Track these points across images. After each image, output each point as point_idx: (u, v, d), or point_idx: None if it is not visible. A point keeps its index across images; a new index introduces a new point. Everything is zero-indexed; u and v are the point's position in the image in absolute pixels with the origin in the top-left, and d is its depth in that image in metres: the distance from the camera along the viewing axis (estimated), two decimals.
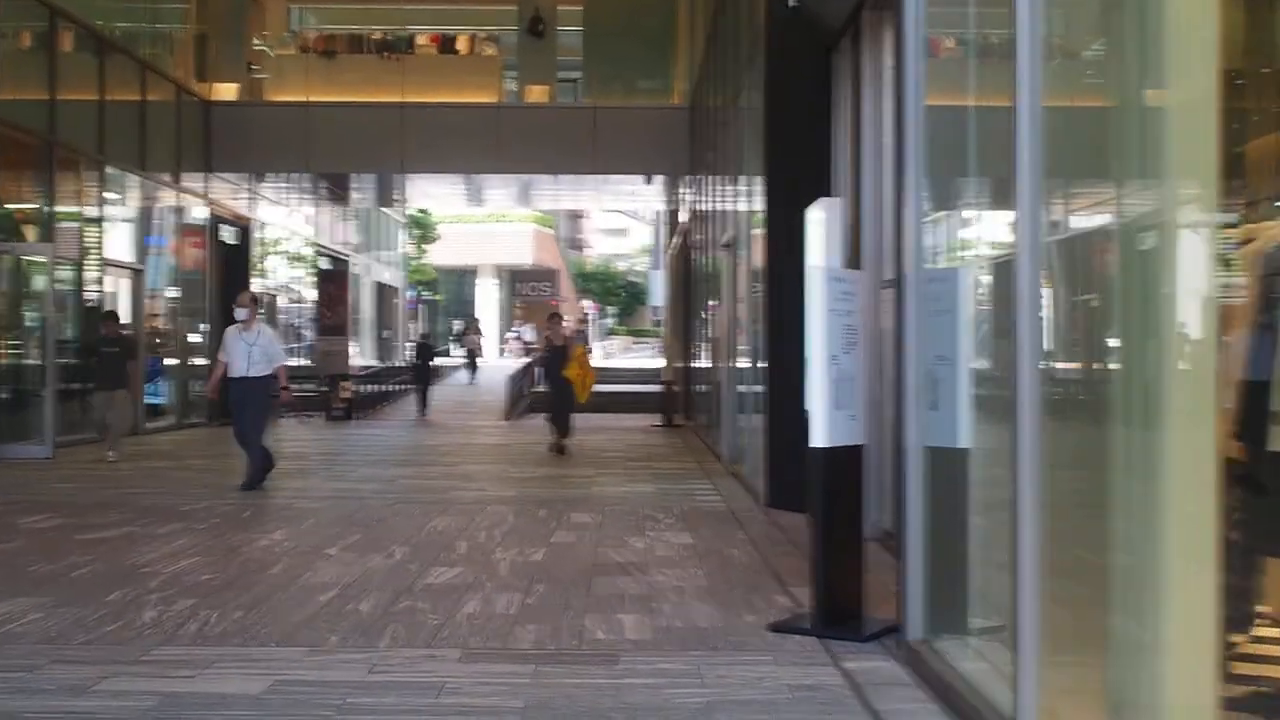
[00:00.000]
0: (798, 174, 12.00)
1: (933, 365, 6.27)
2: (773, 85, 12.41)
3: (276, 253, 32.89)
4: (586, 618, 7.03)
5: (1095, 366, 4.76)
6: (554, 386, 18.57)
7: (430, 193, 35.05)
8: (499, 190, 33.04)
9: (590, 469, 16.15)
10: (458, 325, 61.59)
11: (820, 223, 10.40)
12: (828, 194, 10.96)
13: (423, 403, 31.51)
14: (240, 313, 13.49)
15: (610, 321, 79.79)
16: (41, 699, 5.44)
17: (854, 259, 10.34)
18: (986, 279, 6.03)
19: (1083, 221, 4.98)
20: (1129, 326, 4.39)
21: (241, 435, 13.63)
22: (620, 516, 11.52)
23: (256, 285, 29.92)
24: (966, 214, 6.64)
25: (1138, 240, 4.39)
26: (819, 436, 6.55)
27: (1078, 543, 4.73)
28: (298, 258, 35.23)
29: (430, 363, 33.81)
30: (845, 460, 6.77)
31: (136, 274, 22.68)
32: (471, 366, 43.88)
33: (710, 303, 20.65)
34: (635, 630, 6.74)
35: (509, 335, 66.37)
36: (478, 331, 48.79)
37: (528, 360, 38.36)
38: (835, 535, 6.68)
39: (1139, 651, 4.19)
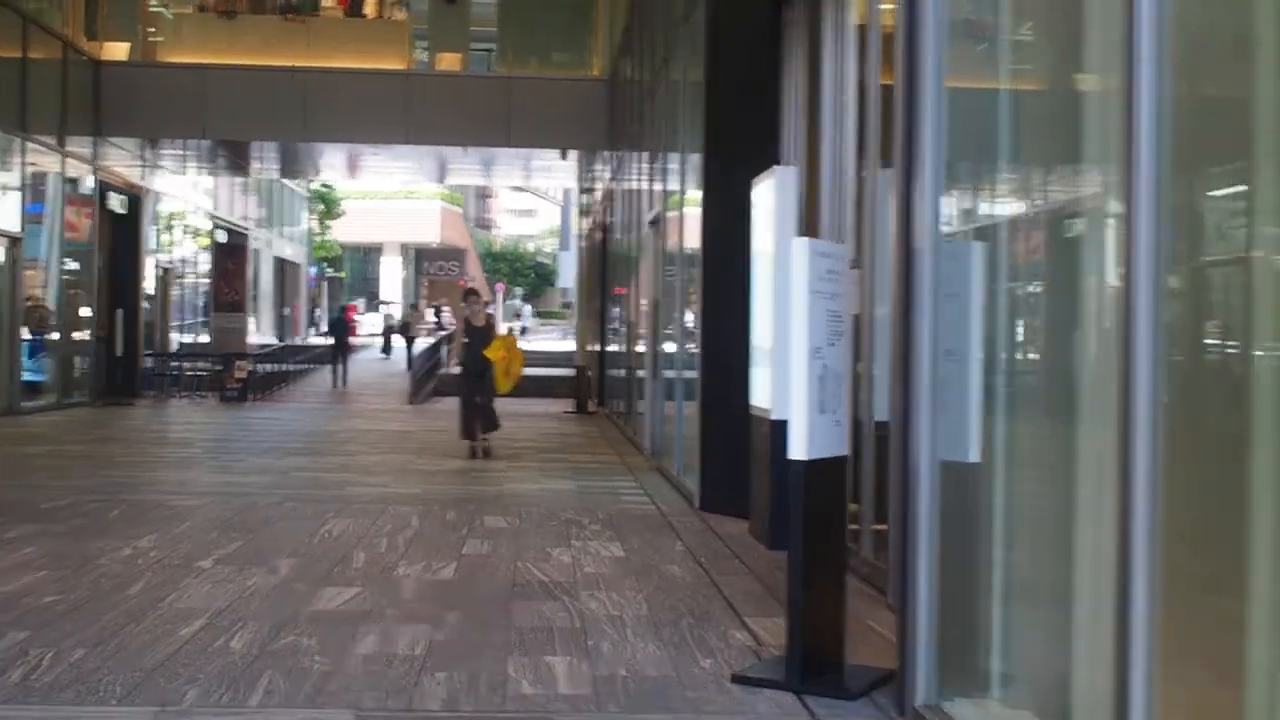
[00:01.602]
0: (741, 142, 10.83)
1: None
2: (714, 43, 11.20)
3: (171, 224, 31.10)
4: (510, 661, 5.77)
5: (1221, 358, 3.62)
6: (471, 374, 15.50)
7: (334, 164, 33.40)
8: (408, 162, 31.52)
9: (501, 462, 14.85)
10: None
11: (772, 195, 9.25)
12: (776, 163, 9.80)
13: (340, 375, 32.56)
14: None
15: (518, 302, 78.35)
16: None
17: (810, 234, 9.17)
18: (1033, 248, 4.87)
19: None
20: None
21: None
22: (539, 520, 10.27)
23: (149, 259, 28.24)
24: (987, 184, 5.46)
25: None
26: (799, 447, 5.33)
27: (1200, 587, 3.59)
28: (194, 230, 33.45)
29: (346, 336, 33.65)
30: (829, 475, 5.57)
31: (14, 242, 21.01)
32: (387, 345, 44.00)
33: (631, 283, 19.43)
34: (570, 681, 5.48)
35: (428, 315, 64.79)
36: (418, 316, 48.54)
37: (435, 341, 37.03)
38: (817, 567, 5.48)
39: None
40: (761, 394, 9.39)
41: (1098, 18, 4.22)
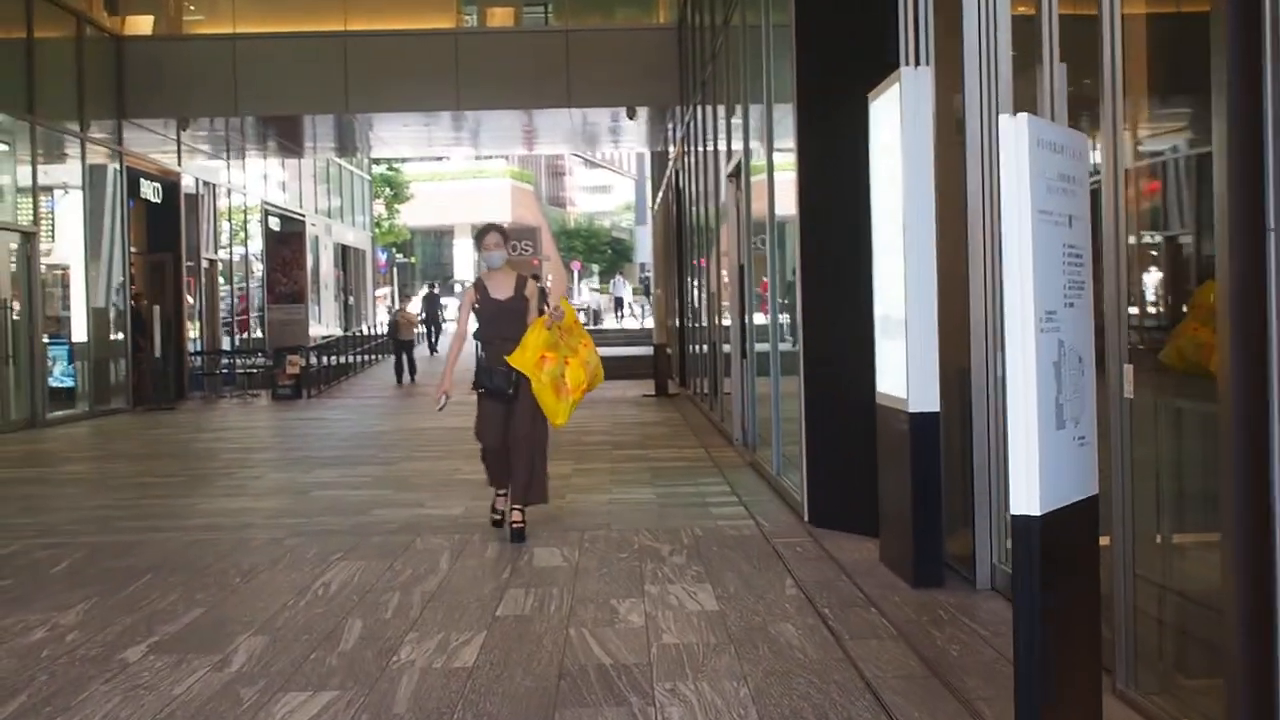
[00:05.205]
0: (842, 59, 8.40)
1: None
2: None
3: (216, 212, 28.96)
4: None
5: None
6: (493, 391, 8.55)
7: (386, 139, 31.20)
8: (461, 133, 29.16)
9: (566, 461, 12.47)
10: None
11: (898, 107, 6.86)
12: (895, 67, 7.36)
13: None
14: None
15: (595, 280, 76.06)
16: None
17: (949, 166, 6.76)
18: None
19: None
20: None
21: None
22: (606, 550, 7.95)
23: (192, 250, 26.16)
24: None
25: None
26: (1027, 495, 2.94)
27: None
28: (244, 217, 31.32)
29: (441, 316, 33.27)
30: (1077, 530, 3.18)
31: (27, 238, 18.95)
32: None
33: (712, 250, 17.05)
34: None
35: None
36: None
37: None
38: (1064, 677, 3.11)
39: None
40: (893, 379, 7.01)
41: None
